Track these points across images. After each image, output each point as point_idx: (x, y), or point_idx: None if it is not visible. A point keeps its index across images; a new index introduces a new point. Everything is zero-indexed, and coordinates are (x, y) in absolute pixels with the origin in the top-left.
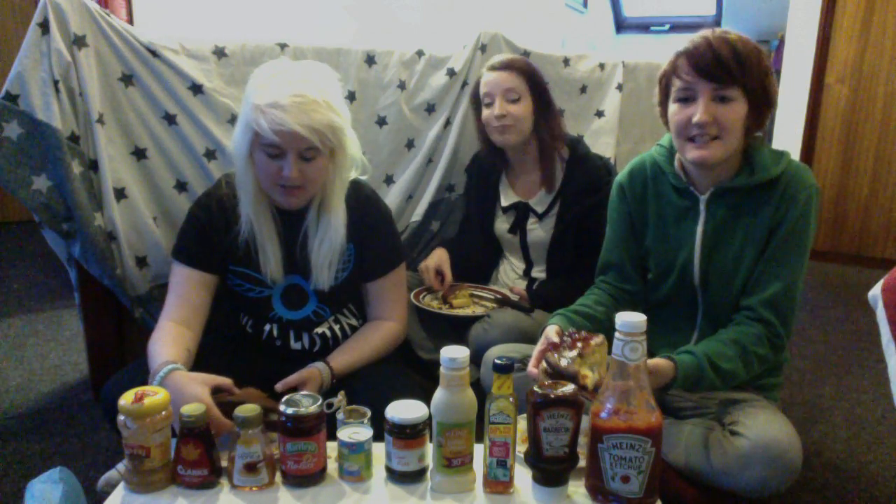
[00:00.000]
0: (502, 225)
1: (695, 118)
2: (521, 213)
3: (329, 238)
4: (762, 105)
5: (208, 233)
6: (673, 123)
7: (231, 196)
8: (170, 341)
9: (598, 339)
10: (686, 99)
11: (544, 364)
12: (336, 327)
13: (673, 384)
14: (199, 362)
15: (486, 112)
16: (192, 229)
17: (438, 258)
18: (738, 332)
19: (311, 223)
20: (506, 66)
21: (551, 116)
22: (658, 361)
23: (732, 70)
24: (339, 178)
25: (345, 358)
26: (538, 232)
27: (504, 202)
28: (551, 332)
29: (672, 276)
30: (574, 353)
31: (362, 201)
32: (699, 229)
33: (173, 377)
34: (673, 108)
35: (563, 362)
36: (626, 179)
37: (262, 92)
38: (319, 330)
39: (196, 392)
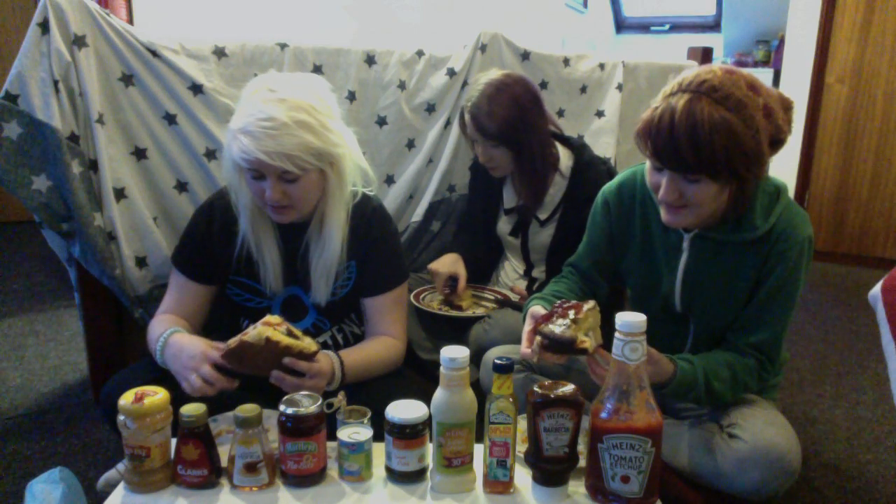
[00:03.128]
0: (504, 226)
1: (659, 194)
2: (523, 216)
3: (327, 252)
4: (737, 183)
5: (208, 244)
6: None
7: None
8: (167, 323)
9: (590, 304)
10: (656, 167)
11: (538, 338)
12: (339, 336)
13: (666, 387)
14: None
15: (474, 146)
16: (192, 239)
17: (453, 265)
18: (734, 357)
19: (312, 236)
20: (476, 117)
21: (534, 155)
22: (661, 356)
23: (689, 163)
24: (338, 193)
25: (354, 354)
26: (540, 236)
27: (507, 204)
28: (537, 310)
29: (655, 301)
30: (567, 320)
31: (367, 217)
32: (681, 266)
33: (174, 337)
34: (647, 164)
35: (559, 330)
36: (613, 196)
37: (238, 114)
38: (321, 339)
39: (196, 346)
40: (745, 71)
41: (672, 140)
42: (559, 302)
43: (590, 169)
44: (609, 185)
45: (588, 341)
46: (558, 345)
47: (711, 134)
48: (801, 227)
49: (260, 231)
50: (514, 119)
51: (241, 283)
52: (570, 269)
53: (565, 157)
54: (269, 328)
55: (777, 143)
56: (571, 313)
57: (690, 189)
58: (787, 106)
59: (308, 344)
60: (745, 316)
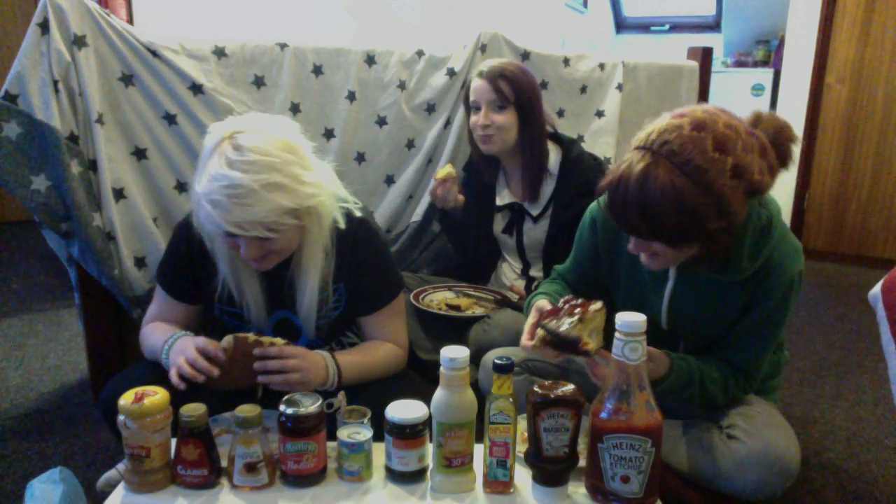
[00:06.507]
0: (498, 224)
1: (629, 247)
2: (516, 213)
3: (309, 293)
4: (702, 241)
5: (189, 266)
6: None
7: None
8: (165, 329)
9: (598, 304)
10: None
11: (542, 332)
12: (337, 348)
13: (663, 381)
14: None
15: (472, 118)
16: (173, 260)
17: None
18: (722, 367)
19: (294, 270)
20: (493, 77)
21: (535, 132)
22: (658, 351)
23: (641, 232)
24: (316, 236)
25: (350, 357)
26: (533, 233)
27: (499, 201)
28: (543, 304)
29: None
30: (574, 318)
31: (350, 238)
32: (668, 292)
33: (181, 339)
34: None
35: (564, 328)
36: (601, 214)
37: (202, 173)
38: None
39: (190, 343)
40: (721, 120)
41: (626, 209)
42: (567, 297)
43: (578, 164)
44: (595, 204)
45: (591, 343)
46: (562, 343)
47: (662, 205)
48: (791, 263)
49: (240, 273)
50: (526, 84)
51: (228, 311)
52: (559, 276)
53: (553, 155)
54: (237, 333)
55: (755, 192)
56: (578, 312)
57: (655, 246)
58: (784, 138)
59: (275, 340)
60: (729, 337)
